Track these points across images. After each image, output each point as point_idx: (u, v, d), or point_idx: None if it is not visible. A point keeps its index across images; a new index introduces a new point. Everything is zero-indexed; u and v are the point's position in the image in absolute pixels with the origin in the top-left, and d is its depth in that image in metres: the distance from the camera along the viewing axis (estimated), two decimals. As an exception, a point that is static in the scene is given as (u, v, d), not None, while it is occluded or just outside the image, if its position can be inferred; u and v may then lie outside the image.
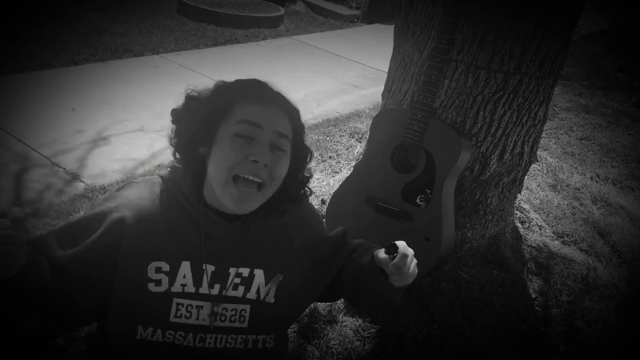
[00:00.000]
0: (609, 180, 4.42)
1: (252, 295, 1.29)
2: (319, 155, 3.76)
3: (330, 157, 3.76)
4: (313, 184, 3.30)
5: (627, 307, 2.78)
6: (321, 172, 3.49)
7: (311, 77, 5.77)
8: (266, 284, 1.31)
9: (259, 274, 1.30)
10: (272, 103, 1.27)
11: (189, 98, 1.31)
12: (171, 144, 1.32)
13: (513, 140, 2.58)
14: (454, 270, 2.60)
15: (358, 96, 5.44)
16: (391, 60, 2.86)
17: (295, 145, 1.31)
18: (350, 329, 2.25)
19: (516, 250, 2.84)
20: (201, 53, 6.00)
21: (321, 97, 5.28)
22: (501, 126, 2.51)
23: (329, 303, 2.34)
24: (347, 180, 2.52)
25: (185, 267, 1.23)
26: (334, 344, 2.16)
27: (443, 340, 2.28)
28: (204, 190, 1.27)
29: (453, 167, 2.26)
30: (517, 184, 2.76)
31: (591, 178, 4.37)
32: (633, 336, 2.63)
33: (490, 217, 2.72)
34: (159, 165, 3.36)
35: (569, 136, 4.99)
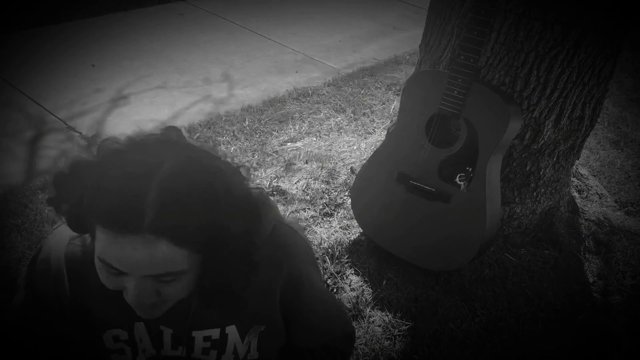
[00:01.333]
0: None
1: (228, 357, 1.05)
2: (352, 112, 3.44)
3: (363, 114, 3.43)
4: (343, 147, 3.00)
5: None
6: (352, 132, 3.18)
7: (347, 19, 5.34)
8: (243, 340, 1.05)
9: (232, 330, 1.04)
10: (142, 233, 0.75)
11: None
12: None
13: (572, 103, 2.19)
14: (499, 252, 2.29)
15: (397, 39, 5.00)
16: (429, 7, 2.48)
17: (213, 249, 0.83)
18: (378, 326, 2.00)
19: (572, 226, 2.50)
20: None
21: (358, 42, 4.87)
22: (558, 87, 2.12)
23: (356, 294, 2.09)
24: (377, 152, 2.21)
25: (140, 329, 1.01)
26: (359, 344, 1.92)
27: (485, 338, 2.00)
28: None
29: (500, 141, 1.92)
30: (575, 151, 2.40)
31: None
32: None
33: (543, 190, 2.38)
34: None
35: (635, 79, 4.44)
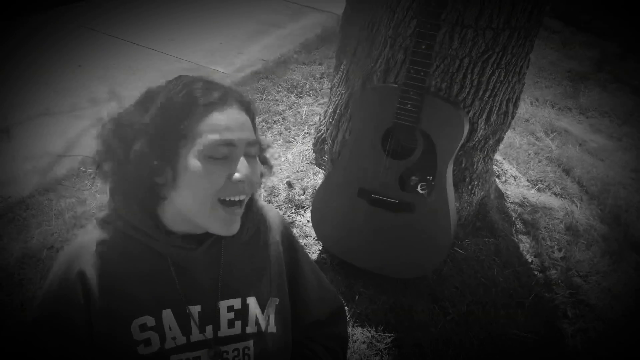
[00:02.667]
0: (547, 102, 4.39)
1: (252, 328, 1.11)
2: (263, 121, 3.38)
3: (275, 122, 3.38)
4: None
5: (609, 250, 2.76)
6: (272, 143, 3.12)
7: (221, 18, 5.20)
8: (262, 312, 1.13)
9: (252, 302, 1.12)
10: (230, 105, 1.01)
11: (123, 118, 1.03)
12: (104, 178, 1.04)
13: (499, 100, 2.35)
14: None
15: (278, 37, 4.98)
16: (343, 16, 2.50)
17: None
18: (363, 343, 2.02)
19: (502, 211, 2.70)
20: None
21: (239, 43, 4.78)
22: (489, 88, 2.26)
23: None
24: (332, 172, 2.20)
25: (168, 317, 1.04)
26: (351, 365, 1.93)
27: (460, 334, 2.11)
28: (162, 217, 1.04)
29: (457, 147, 2.01)
30: (499, 143, 2.57)
31: (531, 103, 4.32)
32: (623, 281, 2.61)
33: (476, 183, 2.53)
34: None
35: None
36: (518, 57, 2.24)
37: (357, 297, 2.18)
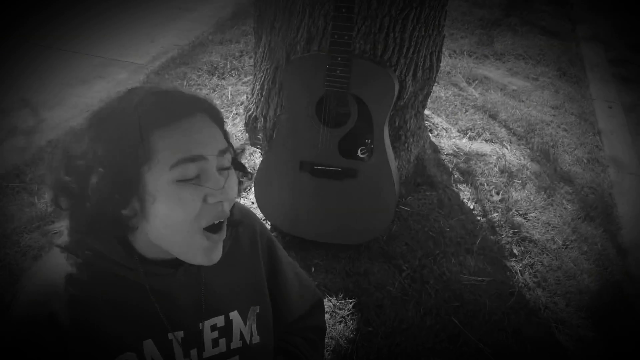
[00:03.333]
0: (465, 52, 4.50)
1: (236, 343, 1.06)
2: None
3: (201, 107, 3.29)
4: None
5: (542, 186, 2.89)
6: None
7: (129, 7, 4.98)
8: (245, 324, 1.07)
9: (235, 316, 1.06)
10: (191, 115, 0.87)
11: (72, 149, 0.88)
12: (61, 215, 0.91)
13: (423, 55, 2.38)
14: (394, 206, 2.44)
15: (190, 20, 4.83)
16: None
17: None
18: (326, 313, 2.03)
19: (439, 164, 2.76)
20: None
21: (150, 30, 4.60)
22: (412, 44, 2.28)
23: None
24: (270, 149, 2.17)
25: (149, 347, 0.95)
26: (319, 337, 1.93)
27: (417, 288, 2.16)
28: (134, 244, 0.93)
29: (390, 107, 2.02)
30: (427, 98, 2.61)
31: (450, 55, 4.41)
32: (559, 213, 2.74)
33: (411, 140, 2.57)
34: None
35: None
36: (436, 10, 2.27)
37: (313, 269, 2.18)
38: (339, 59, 1.96)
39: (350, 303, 2.08)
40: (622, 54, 5.13)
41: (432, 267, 2.25)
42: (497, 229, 2.52)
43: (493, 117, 3.37)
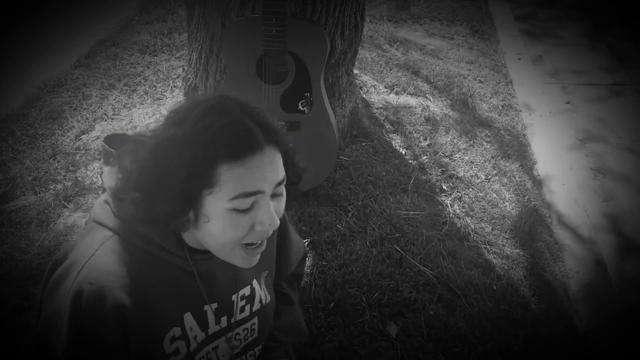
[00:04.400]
0: (384, 17, 4.75)
1: (256, 306, 1.21)
2: (125, 85, 3.36)
3: (138, 84, 3.38)
4: (146, 120, 2.99)
5: (464, 130, 3.19)
6: (142, 105, 3.15)
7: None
8: (261, 287, 1.22)
9: (255, 283, 1.21)
10: (260, 148, 0.92)
11: (138, 163, 0.93)
12: (120, 206, 0.97)
13: (349, 14, 2.57)
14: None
15: (115, 3, 4.82)
16: None
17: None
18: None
19: (371, 117, 2.99)
20: None
21: (76, 16, 4.57)
22: (338, 4, 2.47)
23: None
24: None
25: (189, 320, 1.08)
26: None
27: (362, 225, 2.39)
28: (184, 236, 1.03)
29: (324, 62, 2.22)
30: (356, 56, 2.83)
31: (370, 21, 4.65)
32: (480, 152, 3.05)
33: (344, 96, 2.78)
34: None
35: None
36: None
37: (266, 217, 2.37)
38: (274, 19, 2.14)
39: (305, 242, 2.29)
40: (526, 11, 5.54)
41: (374, 206, 2.49)
42: (427, 169, 2.79)
43: (415, 73, 3.65)
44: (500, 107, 3.68)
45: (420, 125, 3.07)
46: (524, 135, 3.49)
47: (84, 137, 2.93)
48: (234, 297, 1.16)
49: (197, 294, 1.07)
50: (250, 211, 0.94)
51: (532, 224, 2.68)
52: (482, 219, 2.62)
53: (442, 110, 3.31)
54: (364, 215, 2.44)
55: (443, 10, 4.96)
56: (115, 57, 3.72)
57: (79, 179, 2.56)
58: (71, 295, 0.93)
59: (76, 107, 3.20)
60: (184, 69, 3.14)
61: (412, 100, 3.28)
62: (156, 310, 1.00)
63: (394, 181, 2.65)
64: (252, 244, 0.99)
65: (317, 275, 2.19)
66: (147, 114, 3.02)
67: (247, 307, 1.20)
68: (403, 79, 3.50)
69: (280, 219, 1.10)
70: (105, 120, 3.05)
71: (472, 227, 2.56)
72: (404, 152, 2.85)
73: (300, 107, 2.27)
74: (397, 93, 3.34)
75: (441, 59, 4.15)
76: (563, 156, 3.45)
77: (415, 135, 2.98)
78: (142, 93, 3.26)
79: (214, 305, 1.11)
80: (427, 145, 2.93)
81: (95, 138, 2.88)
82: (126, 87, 3.34)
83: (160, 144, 0.91)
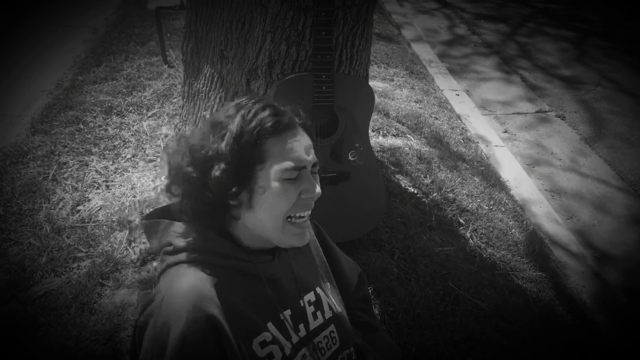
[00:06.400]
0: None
1: (328, 313, 1.26)
2: (104, 150, 3.17)
3: (120, 147, 3.21)
4: (144, 186, 2.85)
5: (449, 166, 3.39)
6: (136, 169, 3.00)
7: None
8: (327, 296, 1.28)
9: (319, 291, 1.27)
10: (297, 129, 1.12)
11: (194, 144, 1.09)
12: (172, 199, 1.11)
13: (363, 66, 2.68)
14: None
15: (44, 64, 4.54)
16: (191, 17, 2.57)
17: None
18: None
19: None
20: None
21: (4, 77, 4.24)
22: (357, 57, 2.57)
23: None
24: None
25: (273, 329, 1.13)
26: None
27: (410, 266, 2.47)
28: (238, 240, 1.14)
29: (371, 112, 2.29)
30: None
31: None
32: (473, 186, 3.26)
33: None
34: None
35: None
36: (370, 24, 2.59)
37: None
38: (324, 76, 2.19)
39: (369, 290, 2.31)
40: (439, 50, 5.99)
41: (415, 246, 2.57)
42: (441, 206, 2.94)
43: (387, 116, 3.82)
44: (462, 141, 3.96)
45: (415, 164, 3.22)
46: (489, 165, 3.77)
47: (81, 208, 2.73)
48: (302, 303, 1.21)
49: (270, 301, 1.13)
50: (296, 182, 1.08)
51: (539, 247, 2.91)
52: (501, 247, 2.80)
53: (424, 148, 3.50)
54: (409, 257, 2.52)
55: (377, 54, 5.23)
56: (77, 120, 3.50)
57: (109, 253, 2.37)
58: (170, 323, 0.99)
59: (55, 178, 2.97)
60: (178, 129, 3.04)
61: (398, 141, 3.43)
62: (243, 317, 1.06)
63: (419, 220, 2.76)
64: (300, 217, 1.10)
65: (388, 320, 2.21)
66: (148, 178, 2.88)
67: (319, 314, 1.24)
68: (380, 121, 3.65)
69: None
70: (99, 188, 2.86)
71: (497, 256, 2.72)
72: (415, 192, 2.98)
73: (350, 157, 2.31)
74: (384, 135, 3.48)
75: (393, 99, 4.37)
76: (526, 181, 3.77)
77: (416, 174, 3.12)
78: (130, 156, 3.10)
79: (288, 313, 1.16)
80: (431, 182, 3.08)
81: (98, 208, 2.69)
82: (107, 152, 3.15)
83: (211, 123, 1.08)
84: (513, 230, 2.95)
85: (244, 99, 1.12)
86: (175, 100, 3.62)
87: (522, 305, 2.44)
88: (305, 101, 2.19)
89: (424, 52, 5.70)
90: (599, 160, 4.22)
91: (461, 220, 2.87)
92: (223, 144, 1.05)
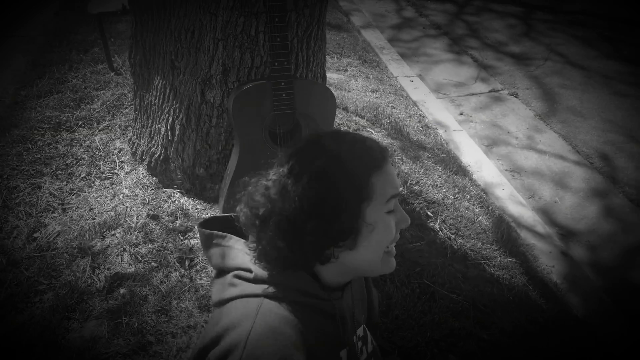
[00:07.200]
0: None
1: (369, 347, 1.27)
2: (56, 169, 3.04)
3: (72, 166, 3.07)
4: (102, 206, 2.74)
5: (411, 156, 3.38)
6: (91, 188, 2.87)
7: None
8: (367, 329, 1.28)
9: (364, 324, 1.26)
10: (387, 158, 1.07)
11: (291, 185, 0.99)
12: (278, 249, 1.01)
13: (320, 66, 2.63)
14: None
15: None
16: (136, 30, 2.47)
17: None
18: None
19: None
20: None
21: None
22: (313, 58, 2.52)
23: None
24: (231, 185, 2.22)
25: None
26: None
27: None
28: (321, 276, 1.08)
29: (334, 116, 2.25)
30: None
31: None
32: (437, 175, 3.26)
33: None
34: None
35: None
36: (324, 24, 2.54)
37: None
38: (283, 83, 2.12)
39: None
40: (389, 35, 5.97)
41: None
42: (408, 199, 2.93)
43: (345, 110, 3.78)
44: (421, 129, 3.96)
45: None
46: (449, 150, 3.78)
47: (38, 236, 2.60)
48: (354, 338, 1.19)
49: (337, 338, 1.09)
50: (393, 213, 1.05)
51: (507, 232, 2.93)
52: (470, 237, 2.81)
53: (385, 140, 3.48)
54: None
55: (329, 44, 5.17)
56: (23, 139, 3.33)
57: (72, 283, 2.27)
58: None
59: (6, 204, 2.82)
60: (132, 143, 2.93)
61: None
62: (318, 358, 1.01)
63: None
64: (393, 245, 1.09)
65: (368, 326, 2.19)
66: (106, 197, 2.76)
67: (364, 349, 1.23)
68: (340, 116, 3.61)
69: None
70: (55, 212, 2.73)
71: (467, 245, 2.74)
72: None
73: (316, 164, 2.26)
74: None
75: (349, 91, 4.33)
76: (486, 163, 3.80)
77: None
78: (84, 175, 2.97)
79: (345, 351, 1.12)
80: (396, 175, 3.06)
81: (56, 234, 2.57)
82: (59, 172, 3.01)
83: (316, 175, 0.97)
84: (480, 218, 2.96)
85: (317, 137, 1.05)
86: (127, 111, 3.48)
87: (497, 294, 2.46)
88: (266, 110, 2.13)
89: (375, 38, 5.67)
90: (554, 135, 4.29)
91: (429, 213, 2.87)
92: (325, 184, 0.97)
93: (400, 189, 1.06)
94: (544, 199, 3.60)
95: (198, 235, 2.52)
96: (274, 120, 2.15)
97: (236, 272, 1.06)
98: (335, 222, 0.98)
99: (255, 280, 1.02)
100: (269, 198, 1.00)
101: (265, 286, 1.02)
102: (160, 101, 2.59)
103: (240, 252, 1.08)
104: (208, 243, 1.12)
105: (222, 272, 1.10)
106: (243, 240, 1.10)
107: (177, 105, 2.50)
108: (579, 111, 4.62)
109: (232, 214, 1.14)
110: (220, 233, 1.11)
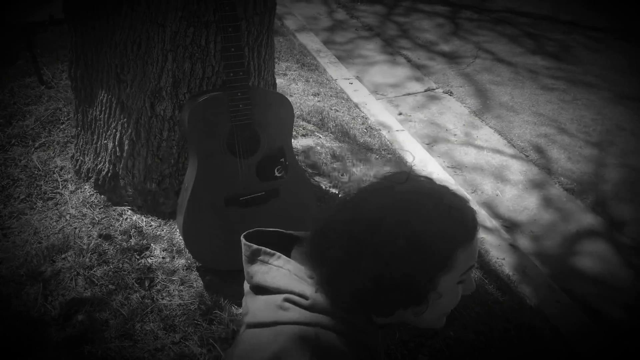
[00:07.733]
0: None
1: None
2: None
3: (9, 187, 2.90)
4: (47, 229, 2.60)
5: (361, 159, 3.41)
6: (33, 210, 2.73)
7: None
8: None
9: None
10: (478, 229, 1.02)
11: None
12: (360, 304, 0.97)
13: (270, 74, 2.61)
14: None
15: None
16: (76, 45, 2.37)
17: None
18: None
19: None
20: None
21: None
22: (265, 66, 2.50)
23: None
24: (190, 198, 2.16)
25: None
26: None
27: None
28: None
29: (292, 125, 2.23)
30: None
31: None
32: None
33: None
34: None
35: None
36: (272, 32, 2.53)
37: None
38: (239, 93, 2.09)
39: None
40: (323, 37, 6.00)
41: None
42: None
43: (302, 118, 3.76)
44: (365, 130, 4.00)
45: (331, 163, 3.21)
46: (394, 150, 3.85)
47: (-21, 265, 2.44)
48: None
49: None
50: (465, 281, 1.01)
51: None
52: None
53: (334, 144, 3.49)
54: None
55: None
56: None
57: (24, 314, 2.14)
58: None
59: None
60: (75, 160, 2.80)
61: (309, 141, 3.40)
62: None
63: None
64: None
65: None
66: (51, 219, 2.62)
67: None
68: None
69: None
70: (-5, 238, 2.57)
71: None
72: (337, 192, 2.96)
73: (277, 173, 2.24)
74: (294, 137, 3.42)
75: (291, 95, 4.32)
76: (430, 161, 3.90)
77: (333, 173, 3.11)
78: (23, 197, 2.81)
79: None
80: (348, 179, 3.08)
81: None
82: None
83: (412, 242, 0.91)
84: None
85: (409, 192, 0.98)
86: (64, 127, 3.32)
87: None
88: (223, 121, 2.09)
89: (310, 41, 5.68)
90: (489, 130, 4.44)
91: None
92: (405, 243, 0.90)
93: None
94: (486, 193, 3.71)
95: (155, 253, 2.45)
96: (231, 131, 2.11)
97: (288, 295, 0.99)
98: (414, 291, 0.95)
99: (312, 309, 0.97)
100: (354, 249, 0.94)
101: (320, 315, 0.97)
102: (106, 116, 2.48)
103: (289, 274, 1.01)
104: (252, 259, 1.06)
105: (261, 290, 1.04)
106: (293, 262, 1.04)
107: (125, 119, 2.41)
108: (511, 106, 4.81)
109: (284, 230, 1.10)
110: (269, 250, 1.05)
